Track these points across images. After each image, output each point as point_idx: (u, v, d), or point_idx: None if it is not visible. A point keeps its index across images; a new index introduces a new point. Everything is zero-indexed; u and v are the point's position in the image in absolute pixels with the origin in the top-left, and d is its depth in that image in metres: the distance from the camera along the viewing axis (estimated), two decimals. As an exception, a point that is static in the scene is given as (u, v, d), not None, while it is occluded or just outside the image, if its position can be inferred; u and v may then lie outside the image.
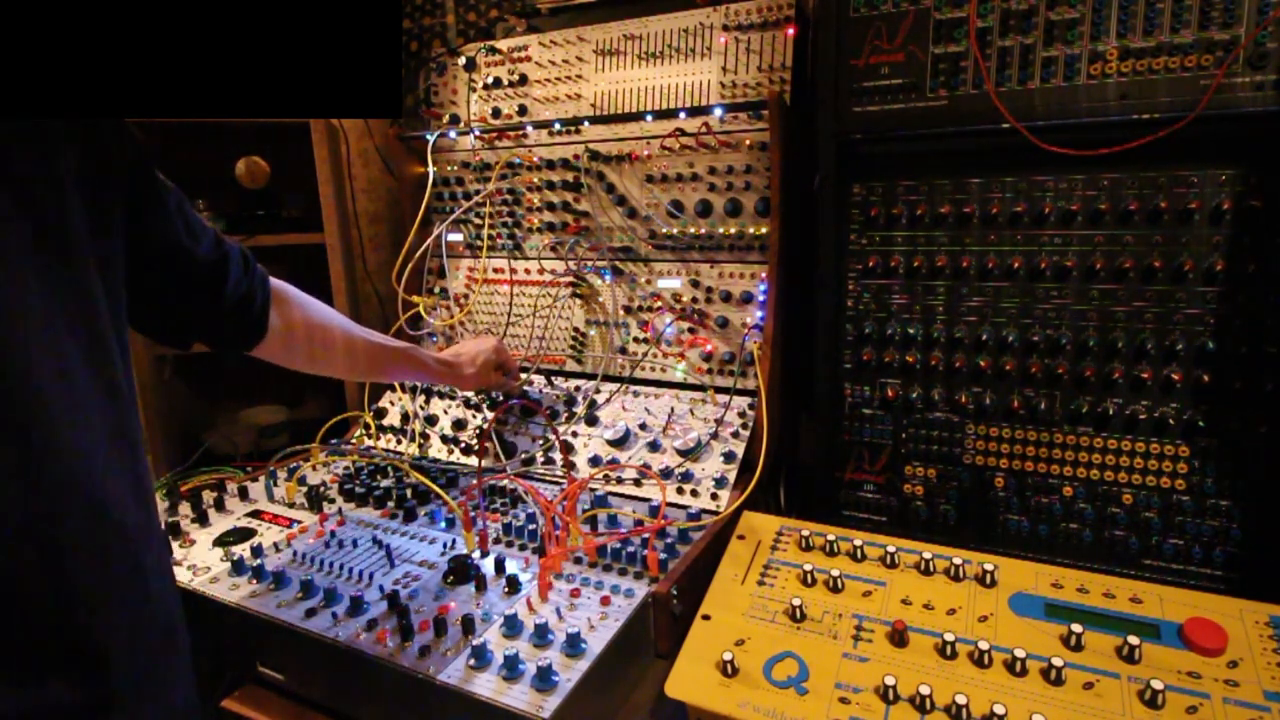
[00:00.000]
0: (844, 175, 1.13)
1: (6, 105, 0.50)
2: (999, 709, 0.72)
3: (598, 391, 1.43)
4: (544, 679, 0.77)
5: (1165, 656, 0.77)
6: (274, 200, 1.82)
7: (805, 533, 1.01)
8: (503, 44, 1.55)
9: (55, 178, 0.64)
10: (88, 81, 0.51)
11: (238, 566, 1.04)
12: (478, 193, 1.61)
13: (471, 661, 0.81)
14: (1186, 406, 0.98)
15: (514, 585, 0.96)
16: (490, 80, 1.58)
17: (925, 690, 0.75)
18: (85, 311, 0.66)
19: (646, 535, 1.04)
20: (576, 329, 1.51)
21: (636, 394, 1.39)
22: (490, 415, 1.47)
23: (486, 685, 0.79)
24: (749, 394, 1.29)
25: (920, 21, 1.02)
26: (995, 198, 1.05)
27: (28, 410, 0.60)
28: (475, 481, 1.22)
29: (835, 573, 0.92)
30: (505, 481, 1.27)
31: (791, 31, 1.26)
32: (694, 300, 1.38)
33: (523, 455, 1.38)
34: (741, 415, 1.27)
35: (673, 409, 1.33)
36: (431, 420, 1.51)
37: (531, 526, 1.10)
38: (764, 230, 1.30)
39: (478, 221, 1.64)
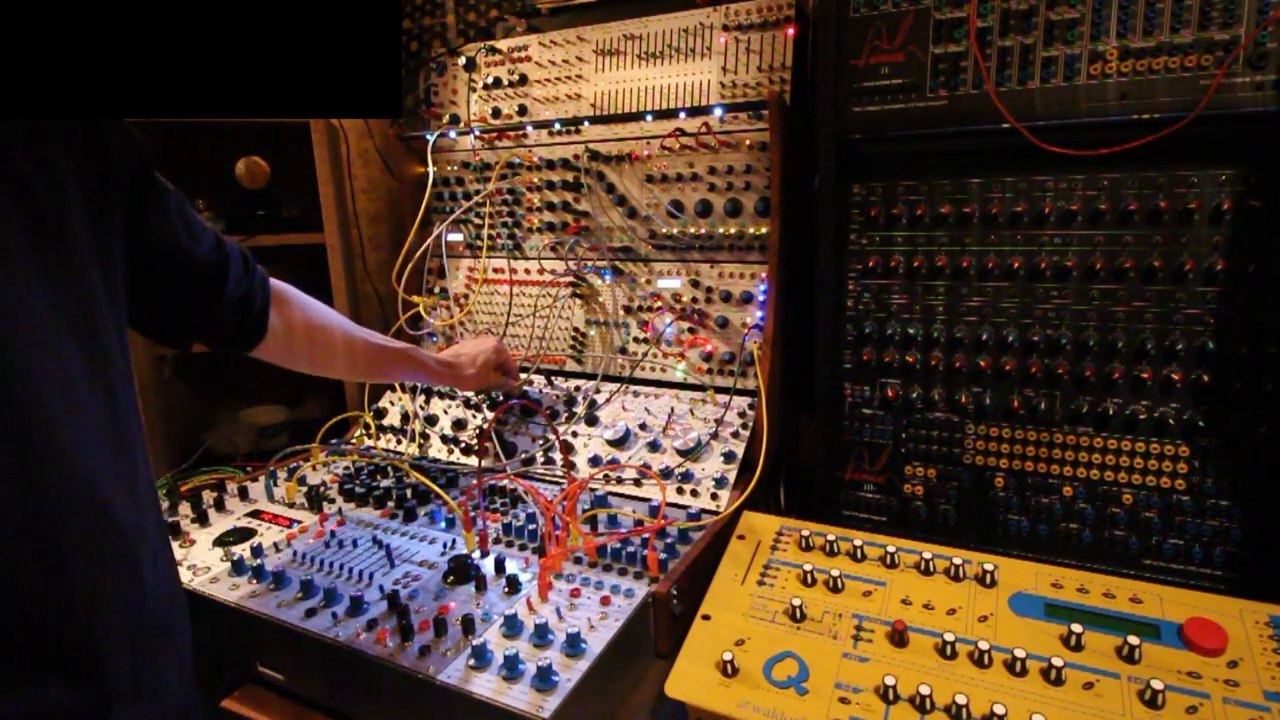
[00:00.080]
0: (844, 175, 1.13)
1: (6, 105, 0.50)
2: (999, 709, 0.72)
3: (598, 391, 1.43)
4: (544, 679, 0.77)
5: (1165, 656, 0.77)
6: (274, 200, 1.82)
7: (805, 533, 1.01)
8: (503, 44, 1.55)
9: (55, 178, 0.64)
10: (88, 81, 0.51)
11: (238, 566, 1.04)
12: (478, 193, 1.61)
13: (471, 661, 0.81)
14: (1186, 406, 0.98)
15: (514, 585, 0.96)
16: (490, 80, 1.58)
17: (925, 690, 0.75)
18: (85, 312, 0.66)
19: (646, 535, 1.04)
20: (576, 329, 1.51)
21: (636, 394, 1.39)
22: (490, 415, 1.47)
23: (486, 685, 0.79)
24: (749, 394, 1.29)
25: (920, 21, 1.02)
26: (995, 198, 1.05)
27: (27, 411, 0.60)
28: (475, 481, 1.22)
29: (835, 573, 0.92)
30: (505, 481, 1.27)
31: (791, 31, 1.26)
32: (694, 300, 1.38)
33: (523, 455, 1.38)
34: (741, 415, 1.27)
35: (673, 409, 1.33)
36: (431, 420, 1.51)
37: (531, 526, 1.10)
38: (764, 230, 1.30)
39: (478, 221, 1.64)
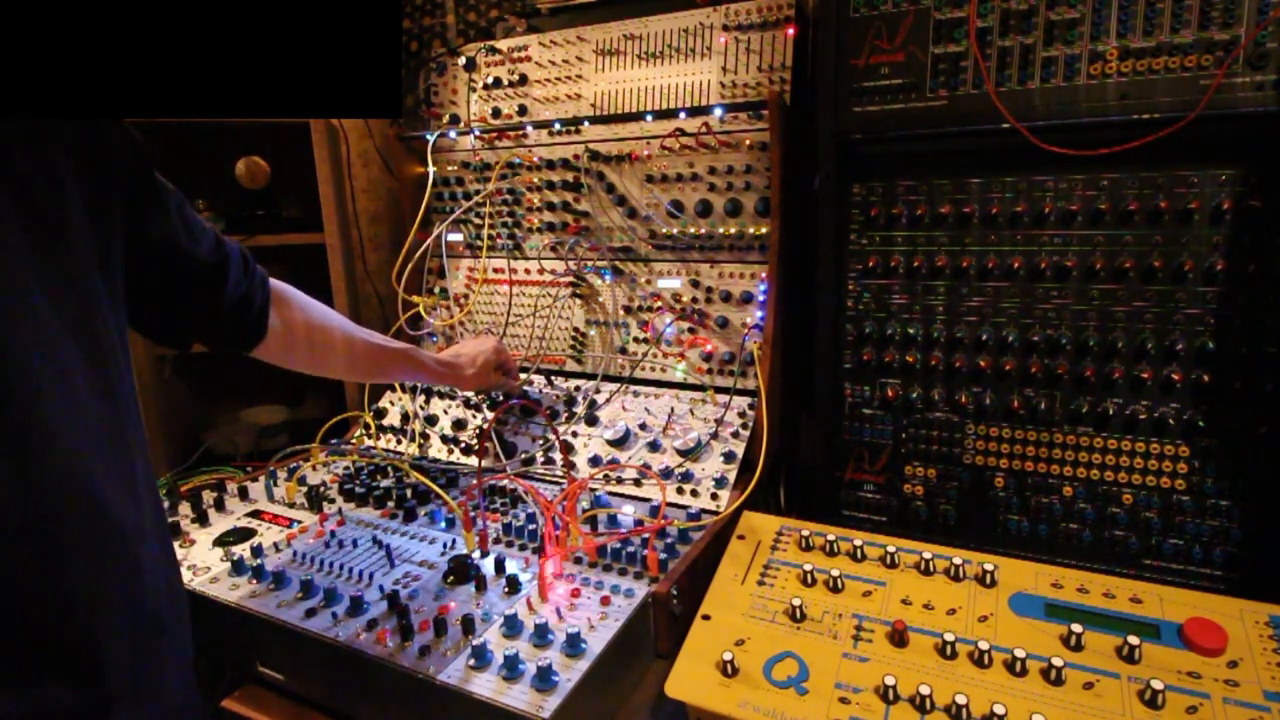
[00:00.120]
0: (844, 175, 1.13)
1: (6, 105, 0.50)
2: (999, 709, 0.72)
3: (598, 391, 1.43)
4: (544, 679, 0.77)
5: (1165, 656, 0.77)
6: (274, 200, 1.82)
7: (805, 533, 1.01)
8: (503, 44, 1.55)
9: (55, 178, 0.64)
10: (88, 81, 0.51)
11: (238, 566, 1.04)
12: (478, 193, 1.61)
13: (471, 661, 0.81)
14: (1186, 406, 0.98)
15: (514, 585, 0.96)
16: (490, 80, 1.58)
17: (925, 690, 0.75)
18: (85, 312, 0.66)
19: (646, 535, 1.04)
20: (576, 329, 1.51)
21: (636, 394, 1.39)
22: (490, 415, 1.47)
23: (486, 685, 0.79)
24: (749, 394, 1.29)
25: (920, 21, 1.02)
26: (995, 198, 1.05)
27: (27, 411, 0.60)
28: (475, 481, 1.22)
29: (835, 573, 0.92)
30: (505, 481, 1.27)
31: (791, 31, 1.26)
32: (694, 300, 1.38)
33: (523, 455, 1.38)
34: (741, 415, 1.27)
35: (673, 409, 1.33)
36: (431, 420, 1.51)
37: (531, 526, 1.10)
38: (764, 230, 1.30)
39: (478, 221, 1.64)
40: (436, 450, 1.47)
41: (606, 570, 1.00)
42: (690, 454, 1.23)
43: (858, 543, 0.97)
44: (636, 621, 0.91)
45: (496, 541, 1.10)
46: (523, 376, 1.50)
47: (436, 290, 1.69)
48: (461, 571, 0.99)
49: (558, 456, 1.34)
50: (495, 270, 1.62)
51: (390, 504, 1.24)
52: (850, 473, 1.19)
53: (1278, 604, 0.82)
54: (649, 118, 1.37)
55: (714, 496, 1.17)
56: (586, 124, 1.44)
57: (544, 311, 1.54)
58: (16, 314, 0.59)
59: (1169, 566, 1.00)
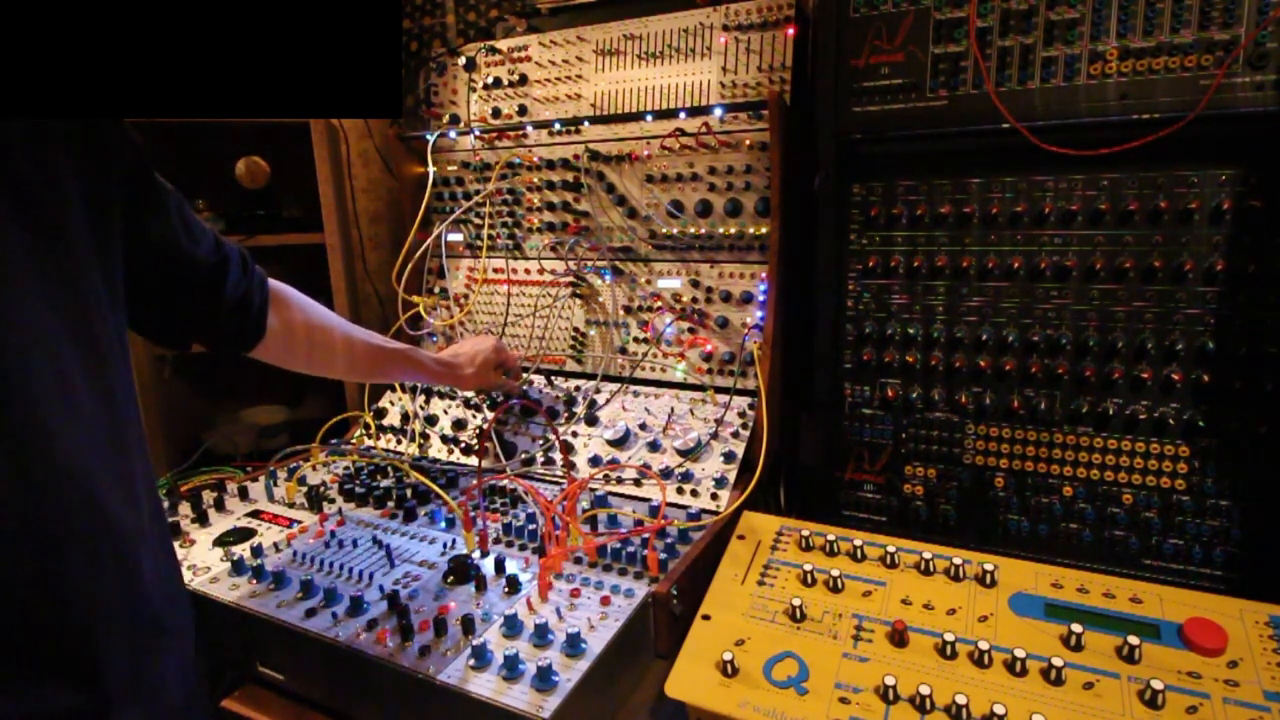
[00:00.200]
0: (844, 175, 1.13)
1: (6, 105, 0.50)
2: (999, 709, 0.72)
3: (598, 391, 1.43)
4: (544, 679, 0.77)
5: (1165, 656, 0.77)
6: (274, 200, 1.82)
7: (805, 533, 1.01)
8: (503, 44, 1.55)
9: (55, 179, 0.64)
10: (88, 81, 0.51)
11: (238, 566, 1.04)
12: (478, 193, 1.61)
13: (471, 661, 0.81)
14: (1186, 406, 0.97)
15: (514, 585, 0.96)
16: (490, 80, 1.58)
17: (925, 690, 0.75)
18: (84, 313, 0.66)
19: (646, 535, 1.04)
20: (576, 329, 1.51)
21: (636, 394, 1.39)
22: (490, 415, 1.47)
23: (486, 685, 0.79)
24: (749, 394, 1.29)
25: (920, 21, 1.02)
26: (995, 198, 1.05)
27: (26, 412, 0.60)
28: (475, 481, 1.22)
29: (835, 573, 0.92)
30: (505, 481, 1.27)
31: (791, 31, 1.26)
32: (694, 300, 1.38)
33: (523, 455, 1.38)
34: (741, 415, 1.27)
35: (673, 409, 1.33)
36: (431, 420, 1.51)
37: (531, 526, 1.10)
38: (764, 230, 1.30)
39: (478, 221, 1.64)
40: (436, 450, 1.47)
41: (606, 570, 1.00)
42: (690, 454, 1.23)
43: (858, 543, 0.97)
44: (636, 621, 0.91)
45: (496, 541, 1.10)
46: (523, 376, 1.50)
47: (436, 290, 1.69)
48: (461, 571, 0.99)
49: (558, 456, 1.34)
50: (495, 270, 1.62)
51: (390, 504, 1.24)
52: (850, 473, 1.19)
53: (1278, 604, 0.82)
54: (649, 118, 1.37)
55: (714, 496, 1.17)
56: (586, 124, 1.44)
57: (544, 311, 1.54)
58: (15, 315, 0.59)
59: (1169, 566, 1.00)
